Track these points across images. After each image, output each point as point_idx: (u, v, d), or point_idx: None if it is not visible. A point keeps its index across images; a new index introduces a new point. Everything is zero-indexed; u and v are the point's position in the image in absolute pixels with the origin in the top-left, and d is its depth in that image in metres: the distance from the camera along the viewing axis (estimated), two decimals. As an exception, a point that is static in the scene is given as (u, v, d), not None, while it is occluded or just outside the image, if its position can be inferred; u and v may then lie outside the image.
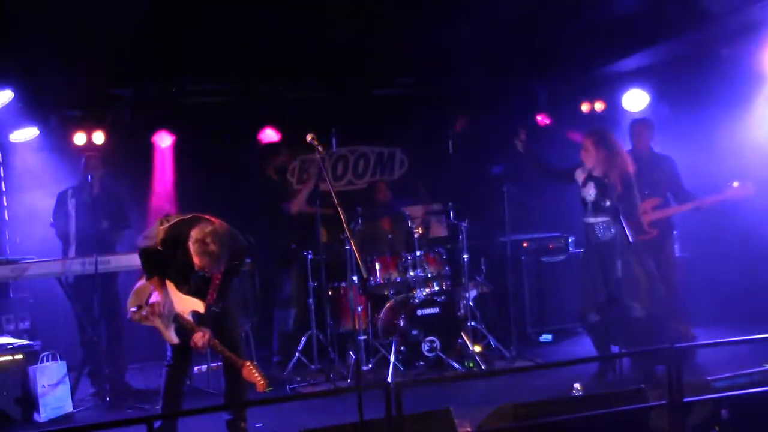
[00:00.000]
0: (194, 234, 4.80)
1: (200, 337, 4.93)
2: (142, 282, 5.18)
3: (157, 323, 5.04)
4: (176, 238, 4.94)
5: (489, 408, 4.00)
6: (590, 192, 6.06)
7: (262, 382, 4.83)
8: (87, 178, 6.71)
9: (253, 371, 4.87)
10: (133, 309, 5.09)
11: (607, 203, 5.91)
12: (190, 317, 5.00)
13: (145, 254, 5.07)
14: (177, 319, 5.02)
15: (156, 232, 5.03)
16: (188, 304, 5.02)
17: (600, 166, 6.00)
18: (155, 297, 5.01)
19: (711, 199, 6.35)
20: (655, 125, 6.96)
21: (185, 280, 5.07)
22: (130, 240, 7.04)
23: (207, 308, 5.00)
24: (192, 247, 4.79)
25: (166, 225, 5.01)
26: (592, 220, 6.07)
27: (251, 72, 8.10)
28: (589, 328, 6.22)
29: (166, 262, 5.03)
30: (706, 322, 6.94)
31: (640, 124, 6.94)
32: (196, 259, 4.81)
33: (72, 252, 6.63)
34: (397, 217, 7.82)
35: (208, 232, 4.78)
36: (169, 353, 5.27)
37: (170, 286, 5.04)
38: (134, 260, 6.38)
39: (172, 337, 5.07)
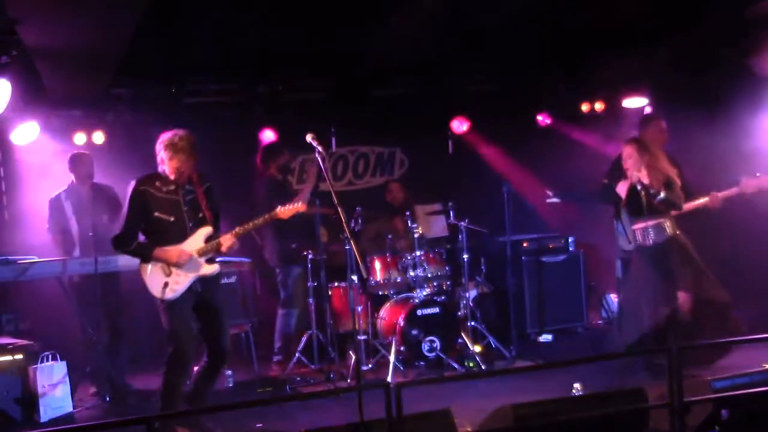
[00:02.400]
0: (163, 142, 5.33)
1: (228, 241, 5.32)
2: (146, 267, 5.30)
3: (190, 275, 5.30)
4: (142, 203, 5.29)
5: (489, 408, 4.00)
6: (638, 198, 6.07)
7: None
8: (78, 176, 6.69)
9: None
10: (162, 289, 5.24)
11: (655, 204, 5.95)
12: (207, 244, 5.34)
13: (122, 240, 5.33)
14: (201, 254, 5.32)
15: (122, 217, 5.39)
16: (198, 239, 5.34)
17: (645, 172, 6.03)
18: (169, 257, 5.24)
19: (723, 194, 6.30)
20: (666, 125, 6.92)
21: (179, 227, 5.33)
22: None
23: (214, 226, 5.40)
24: (165, 154, 5.30)
25: (127, 207, 5.36)
26: (642, 225, 6.08)
27: (251, 72, 8.10)
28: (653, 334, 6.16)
29: (151, 232, 5.32)
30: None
31: (651, 120, 6.91)
32: (173, 164, 5.28)
33: (77, 252, 6.62)
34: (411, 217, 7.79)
35: (174, 135, 5.36)
36: (171, 345, 5.28)
37: (168, 248, 5.27)
38: (134, 260, 6.40)
39: (214, 268, 5.42)
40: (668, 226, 6.02)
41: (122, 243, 5.34)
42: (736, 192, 6.22)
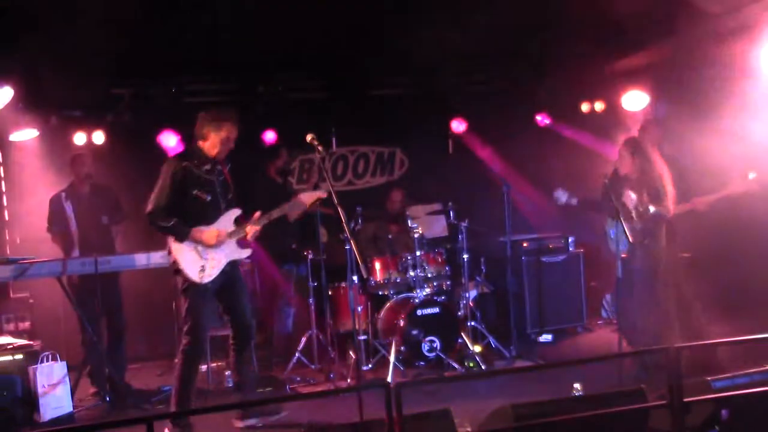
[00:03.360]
0: (208, 115, 5.37)
1: (253, 229, 5.42)
2: (181, 248, 5.26)
3: (224, 258, 5.36)
4: (181, 179, 5.23)
5: (489, 408, 4.00)
6: (630, 199, 6.06)
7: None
8: (78, 176, 6.70)
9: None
10: (198, 272, 5.25)
11: (648, 208, 5.94)
12: (237, 227, 5.42)
13: (160, 214, 5.22)
14: (233, 236, 5.38)
15: (158, 190, 5.26)
16: (228, 220, 5.41)
17: (636, 174, 6.03)
18: (206, 239, 5.26)
19: (709, 198, 6.30)
20: (662, 126, 6.93)
21: (214, 207, 5.36)
22: (128, 233, 7.07)
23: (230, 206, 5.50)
24: (212, 125, 5.31)
25: (166, 181, 5.25)
26: (639, 226, 6.06)
27: (251, 72, 8.10)
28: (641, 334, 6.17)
29: (185, 210, 5.25)
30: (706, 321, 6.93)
31: (650, 124, 6.92)
32: (222, 133, 5.31)
33: (76, 253, 6.62)
34: (403, 221, 7.81)
35: (218, 108, 5.47)
36: (188, 337, 5.26)
37: (206, 229, 5.29)
38: (134, 260, 6.41)
39: (248, 251, 5.53)
40: (659, 234, 6.00)
41: (160, 217, 5.20)
42: (725, 194, 6.23)
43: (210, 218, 5.35)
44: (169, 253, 5.33)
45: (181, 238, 5.25)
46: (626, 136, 6.42)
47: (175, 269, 5.32)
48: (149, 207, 5.24)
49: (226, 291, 5.45)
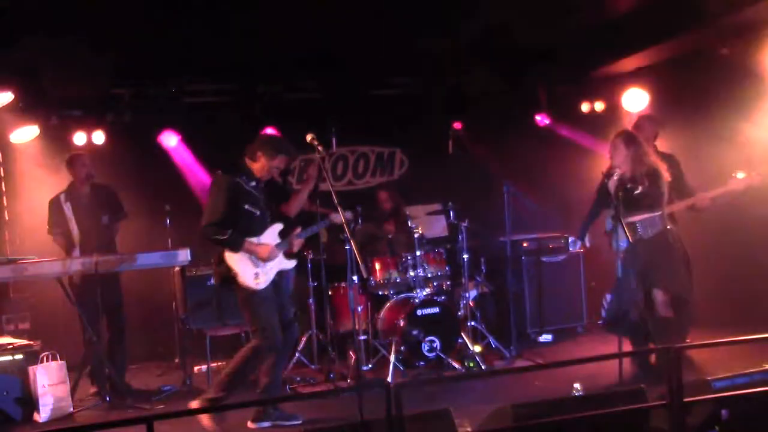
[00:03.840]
0: (269, 141, 5.65)
1: (298, 244, 5.75)
2: (235, 257, 5.38)
3: (275, 267, 5.55)
4: (236, 194, 5.36)
5: (489, 408, 4.00)
6: (622, 192, 6.05)
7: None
8: (77, 176, 6.70)
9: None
10: (253, 279, 5.40)
11: (642, 201, 5.94)
12: (283, 240, 5.62)
13: (217, 228, 5.32)
14: (279, 248, 5.57)
15: (213, 205, 5.38)
16: (273, 233, 5.61)
17: (629, 165, 6.01)
18: (260, 252, 5.43)
19: (710, 194, 6.28)
20: (659, 123, 6.92)
21: (262, 221, 5.54)
22: (128, 233, 7.07)
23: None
24: (269, 152, 5.49)
25: (220, 196, 5.38)
26: (630, 219, 6.05)
27: (251, 72, 8.10)
28: (627, 328, 6.18)
29: (236, 224, 5.37)
30: (706, 321, 6.93)
31: (644, 120, 6.91)
32: (274, 162, 5.53)
33: (77, 253, 6.62)
34: (402, 220, 7.81)
35: (279, 137, 5.89)
36: (259, 339, 5.38)
37: (259, 244, 5.47)
38: (134, 260, 6.41)
39: (294, 262, 5.76)
40: (658, 222, 5.98)
41: (217, 231, 5.32)
42: (725, 190, 6.20)
43: (257, 232, 5.52)
44: (221, 262, 5.44)
45: (236, 249, 5.40)
46: (620, 130, 6.40)
47: (229, 275, 5.42)
48: (204, 221, 5.38)
49: (278, 291, 5.61)
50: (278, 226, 5.66)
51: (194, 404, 5.36)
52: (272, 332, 5.40)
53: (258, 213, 5.50)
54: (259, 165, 5.51)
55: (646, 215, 6.00)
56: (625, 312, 6.14)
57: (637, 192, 5.94)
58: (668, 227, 6.02)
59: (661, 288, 5.96)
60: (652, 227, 6.00)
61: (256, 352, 5.41)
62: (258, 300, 5.42)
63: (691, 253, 6.33)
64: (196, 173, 8.33)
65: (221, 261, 5.44)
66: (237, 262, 5.40)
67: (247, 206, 5.42)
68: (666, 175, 6.03)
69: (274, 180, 7.39)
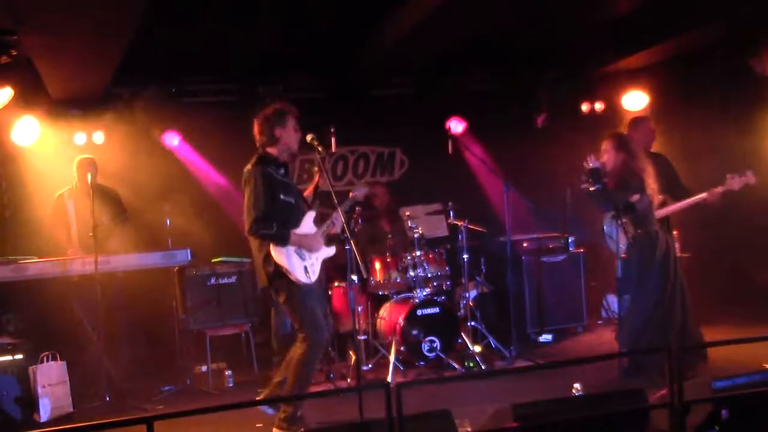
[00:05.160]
0: (275, 113, 5.34)
1: (338, 218, 5.49)
2: (282, 251, 5.18)
3: (319, 258, 5.43)
4: (270, 185, 5.16)
5: (489, 408, 4.00)
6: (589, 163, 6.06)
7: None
8: (81, 179, 6.71)
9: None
10: (304, 273, 5.25)
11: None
12: (316, 227, 5.49)
13: (263, 223, 5.13)
14: (323, 234, 5.49)
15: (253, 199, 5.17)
16: (309, 222, 5.45)
17: (618, 169, 6.02)
18: (310, 243, 5.32)
19: (719, 189, 6.27)
20: (653, 125, 6.93)
21: (298, 210, 5.39)
22: (128, 233, 7.07)
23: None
24: (287, 122, 5.31)
25: (258, 190, 5.16)
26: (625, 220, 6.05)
27: (251, 72, 8.10)
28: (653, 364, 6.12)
29: (282, 215, 5.21)
30: (706, 322, 6.94)
31: (640, 122, 6.91)
32: (292, 131, 5.33)
33: (76, 252, 6.62)
34: (395, 218, 7.83)
35: (279, 105, 5.42)
36: (308, 342, 5.20)
37: (306, 234, 5.34)
38: (134, 260, 6.41)
39: (330, 249, 5.58)
40: (628, 228, 5.98)
41: (263, 226, 5.11)
42: (724, 189, 6.21)
43: (295, 221, 5.32)
44: (268, 261, 5.21)
45: (284, 243, 5.18)
46: (612, 131, 6.40)
47: (280, 274, 5.20)
48: (250, 218, 5.14)
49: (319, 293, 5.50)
50: (311, 214, 5.49)
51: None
52: (322, 328, 5.24)
53: (293, 201, 5.31)
54: (282, 141, 5.28)
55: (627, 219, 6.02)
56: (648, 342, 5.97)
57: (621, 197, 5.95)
58: (639, 231, 5.99)
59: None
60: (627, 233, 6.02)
61: (310, 352, 5.19)
62: (307, 295, 5.23)
63: (691, 252, 6.33)
64: (200, 171, 8.32)
65: (267, 259, 5.19)
66: (285, 258, 5.16)
67: (282, 196, 5.21)
68: (651, 185, 6.03)
69: (318, 184, 7.39)
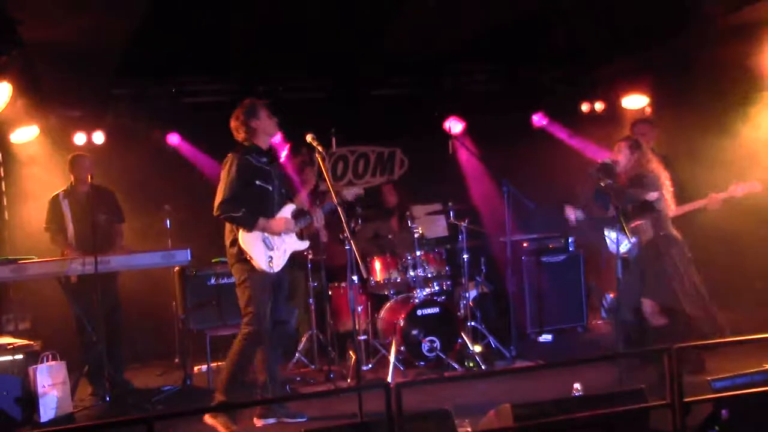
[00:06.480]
0: (253, 105, 5.45)
1: (321, 219, 5.62)
2: (248, 237, 5.30)
3: (288, 249, 5.49)
4: (246, 171, 5.29)
5: (489, 408, 4.00)
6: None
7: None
8: (78, 178, 6.70)
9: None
10: (267, 262, 5.34)
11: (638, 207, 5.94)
12: (298, 219, 5.59)
13: (230, 205, 5.27)
14: (298, 223, 5.56)
15: (224, 190, 5.29)
16: (286, 213, 5.50)
17: (632, 168, 6.03)
18: (275, 226, 5.38)
19: (721, 195, 6.27)
20: (655, 126, 6.94)
21: (274, 198, 5.45)
22: (127, 232, 7.07)
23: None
24: (262, 113, 5.43)
25: (231, 174, 5.28)
26: (633, 224, 6.04)
27: (251, 72, 8.10)
28: (618, 323, 6.23)
29: (250, 201, 5.31)
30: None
31: (643, 124, 6.91)
32: (274, 121, 5.49)
33: (73, 252, 6.62)
34: (403, 217, 7.82)
35: (255, 100, 5.53)
36: (250, 327, 5.32)
37: (274, 219, 5.41)
38: (134, 260, 6.40)
39: (303, 243, 5.65)
40: (647, 228, 5.98)
41: (230, 208, 5.25)
42: (726, 196, 6.22)
43: (271, 209, 5.44)
44: (234, 244, 5.36)
45: (250, 228, 5.31)
46: (625, 135, 6.44)
47: (241, 258, 5.34)
48: (218, 199, 5.30)
49: (277, 286, 5.51)
50: (291, 206, 5.57)
51: (207, 418, 5.31)
52: (264, 319, 5.32)
53: (271, 188, 5.42)
54: (260, 131, 5.42)
55: (638, 221, 6.01)
56: (619, 307, 6.16)
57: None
58: (662, 233, 6.01)
59: (648, 297, 5.97)
60: (644, 234, 6.01)
61: (248, 339, 5.34)
62: (263, 285, 5.33)
63: (691, 253, 6.32)
64: (200, 171, 8.33)
65: (234, 241, 5.35)
66: (251, 244, 5.30)
67: (258, 182, 5.35)
68: (667, 184, 6.04)
69: (317, 184, 7.41)
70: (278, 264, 5.41)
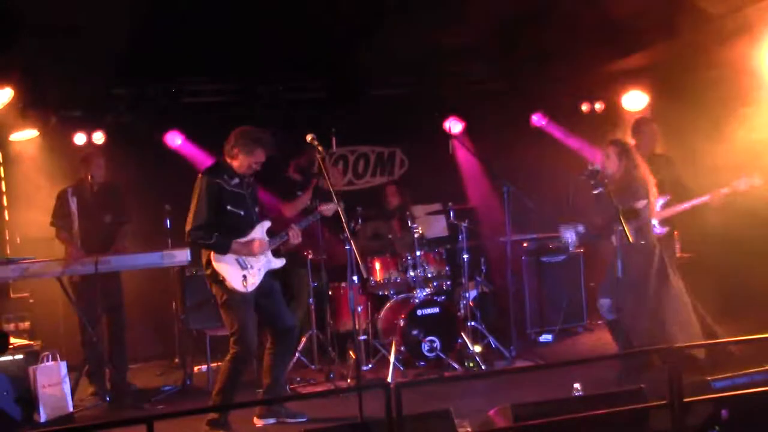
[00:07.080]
0: (244, 135, 5.39)
1: (296, 236, 5.54)
2: (222, 260, 5.31)
3: (263, 268, 5.47)
4: (217, 196, 5.27)
5: (489, 408, 4.00)
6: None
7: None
8: (86, 176, 6.70)
9: None
10: (242, 281, 5.33)
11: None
12: (273, 238, 5.55)
13: (201, 233, 5.27)
14: (272, 243, 5.51)
15: (195, 210, 5.30)
16: (259, 233, 5.49)
17: (621, 175, 6.03)
18: (249, 249, 5.37)
19: (724, 191, 6.26)
20: (657, 126, 6.93)
21: (248, 220, 5.44)
22: (134, 236, 7.07)
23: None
24: (245, 147, 5.36)
25: (201, 199, 5.28)
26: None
27: (251, 72, 8.10)
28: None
29: (221, 225, 5.30)
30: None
31: (644, 124, 6.90)
32: (252, 159, 5.38)
33: (78, 249, 6.61)
34: (404, 218, 7.81)
35: (256, 130, 5.47)
36: (237, 346, 5.31)
37: (246, 241, 5.39)
38: (134, 260, 6.40)
39: (278, 261, 5.60)
40: (629, 233, 5.98)
41: (201, 236, 5.27)
42: (728, 191, 6.21)
43: (243, 231, 5.43)
44: (209, 265, 5.36)
45: (224, 252, 5.32)
46: (614, 137, 6.41)
47: (217, 280, 5.35)
48: (189, 227, 5.30)
49: (266, 298, 5.50)
50: (265, 224, 5.57)
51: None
52: (249, 337, 5.31)
53: (242, 213, 5.41)
54: (238, 162, 5.41)
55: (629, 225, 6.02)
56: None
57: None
58: (642, 242, 5.98)
59: (608, 296, 6.09)
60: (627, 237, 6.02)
61: (236, 361, 5.33)
62: (239, 302, 5.33)
63: (691, 253, 6.32)
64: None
65: (208, 263, 5.37)
66: (224, 266, 5.32)
67: (229, 207, 5.33)
68: (652, 190, 6.04)
69: (293, 179, 7.39)
70: (253, 283, 5.39)
